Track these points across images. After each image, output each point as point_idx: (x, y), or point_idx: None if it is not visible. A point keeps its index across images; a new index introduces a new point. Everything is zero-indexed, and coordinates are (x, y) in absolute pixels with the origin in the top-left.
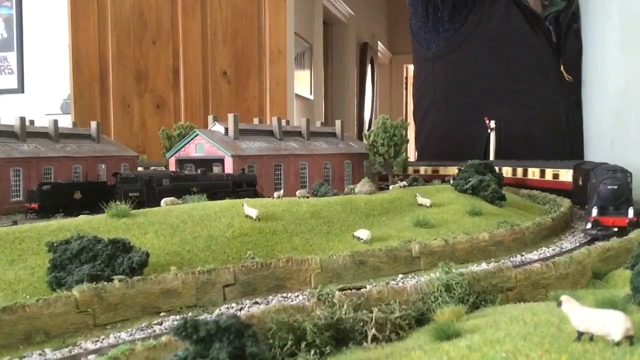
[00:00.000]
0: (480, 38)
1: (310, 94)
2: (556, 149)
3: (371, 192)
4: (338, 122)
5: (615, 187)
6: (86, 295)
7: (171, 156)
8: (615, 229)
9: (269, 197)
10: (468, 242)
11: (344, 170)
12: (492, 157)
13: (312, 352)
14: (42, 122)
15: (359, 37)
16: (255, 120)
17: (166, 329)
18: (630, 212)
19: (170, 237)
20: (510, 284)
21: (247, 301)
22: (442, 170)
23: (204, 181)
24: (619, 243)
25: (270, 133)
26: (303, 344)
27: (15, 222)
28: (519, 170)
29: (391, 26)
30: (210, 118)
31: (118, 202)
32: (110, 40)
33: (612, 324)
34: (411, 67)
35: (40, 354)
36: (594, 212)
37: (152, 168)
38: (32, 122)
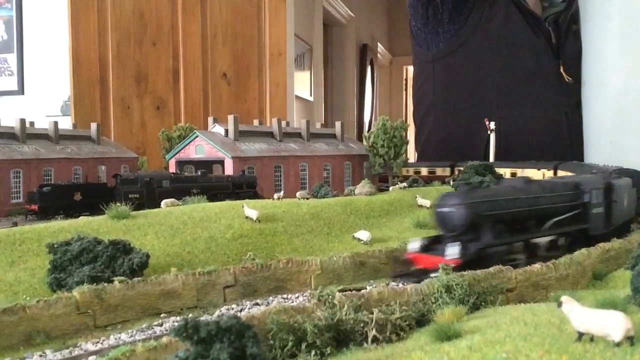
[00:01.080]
0: (480, 39)
1: (310, 95)
2: (556, 150)
3: (371, 193)
4: (338, 124)
5: (449, 210)
6: (86, 297)
7: (171, 158)
8: (433, 275)
9: (269, 198)
10: None
11: (344, 172)
12: (492, 158)
13: (313, 353)
14: (42, 123)
15: (358, 38)
16: (255, 122)
17: (166, 330)
18: (452, 251)
19: (170, 238)
20: (510, 285)
21: (248, 302)
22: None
23: (204, 182)
24: (619, 244)
25: (270, 134)
26: (303, 345)
27: (15, 224)
28: None
29: (391, 28)
30: (210, 119)
31: (118, 204)
32: (110, 42)
33: (612, 324)
34: (411, 69)
35: (40, 355)
36: (414, 245)
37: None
38: (32, 123)
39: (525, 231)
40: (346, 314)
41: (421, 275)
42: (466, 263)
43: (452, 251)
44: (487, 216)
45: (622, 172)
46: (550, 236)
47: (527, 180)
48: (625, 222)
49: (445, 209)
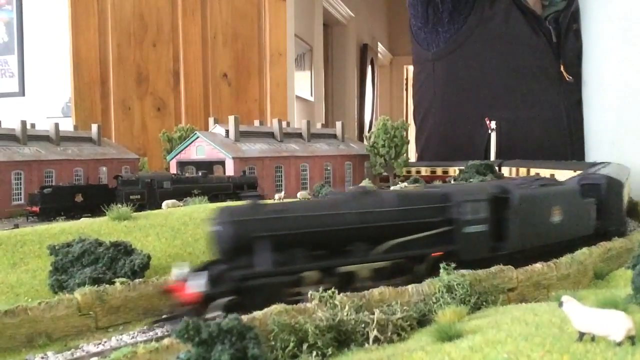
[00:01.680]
0: (480, 39)
1: (311, 95)
2: (557, 150)
3: None
4: (338, 124)
5: (217, 228)
6: (88, 298)
7: (172, 159)
8: (212, 316)
9: (270, 199)
10: None
11: (344, 172)
12: (492, 157)
13: (314, 353)
14: (43, 125)
15: (359, 38)
16: (256, 122)
17: (168, 332)
18: (195, 282)
19: (171, 239)
20: (511, 285)
21: None
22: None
23: (205, 183)
24: (620, 243)
25: (270, 135)
26: (305, 346)
27: (16, 226)
28: None
29: (391, 27)
30: (210, 120)
31: (119, 205)
32: (110, 43)
33: (613, 324)
34: (411, 68)
35: (42, 357)
36: (181, 271)
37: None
38: (33, 125)
39: (340, 256)
40: (347, 314)
41: (194, 314)
42: (219, 297)
43: (196, 283)
44: (265, 237)
45: (588, 178)
46: (385, 261)
47: (366, 191)
48: (581, 239)
49: (214, 227)
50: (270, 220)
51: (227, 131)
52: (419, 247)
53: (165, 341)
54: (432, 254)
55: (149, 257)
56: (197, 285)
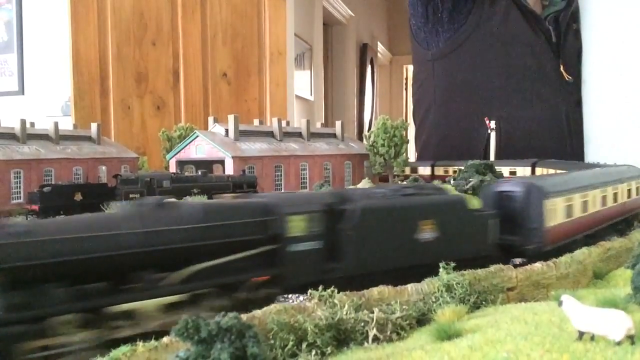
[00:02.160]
0: (480, 38)
1: (310, 95)
2: (556, 149)
3: None
4: (338, 123)
5: None
6: None
7: (172, 157)
8: None
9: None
10: None
11: (344, 171)
12: (492, 157)
13: (313, 352)
14: (43, 124)
15: (358, 38)
16: (256, 122)
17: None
18: None
19: None
20: (511, 284)
21: None
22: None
23: (205, 182)
24: (620, 243)
25: (270, 134)
26: (304, 345)
27: None
28: None
29: (391, 27)
30: (210, 119)
31: (119, 204)
32: (110, 42)
33: (613, 323)
34: (411, 68)
35: None
36: None
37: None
38: (32, 124)
39: (116, 290)
40: (347, 313)
41: None
42: None
43: None
44: None
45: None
46: (181, 293)
47: (159, 204)
48: (480, 260)
49: None
50: (4, 247)
51: (226, 130)
52: (233, 271)
53: (165, 339)
54: (253, 279)
55: None
56: None
